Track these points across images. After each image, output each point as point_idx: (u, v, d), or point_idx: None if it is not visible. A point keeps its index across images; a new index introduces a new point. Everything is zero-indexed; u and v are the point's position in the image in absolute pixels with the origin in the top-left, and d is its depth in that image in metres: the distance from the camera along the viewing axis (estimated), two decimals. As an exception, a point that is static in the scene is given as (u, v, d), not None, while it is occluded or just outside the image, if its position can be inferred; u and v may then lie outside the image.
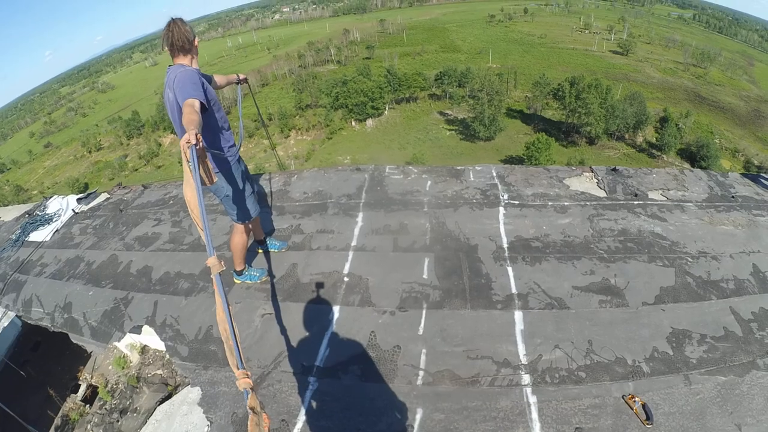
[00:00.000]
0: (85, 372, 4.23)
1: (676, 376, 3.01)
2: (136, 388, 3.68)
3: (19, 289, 4.84)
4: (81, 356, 4.39)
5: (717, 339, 3.25)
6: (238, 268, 4.02)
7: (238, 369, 1.54)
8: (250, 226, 3.86)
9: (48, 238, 5.61)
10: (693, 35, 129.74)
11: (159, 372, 3.66)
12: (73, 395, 4.11)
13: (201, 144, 2.11)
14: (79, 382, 4.19)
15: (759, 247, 4.16)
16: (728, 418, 2.76)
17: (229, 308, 1.64)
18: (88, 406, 3.96)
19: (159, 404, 3.39)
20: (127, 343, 3.90)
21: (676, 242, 4.23)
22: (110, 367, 3.97)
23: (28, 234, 5.80)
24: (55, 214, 6.15)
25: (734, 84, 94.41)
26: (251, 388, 1.50)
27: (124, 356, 3.90)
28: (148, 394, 3.57)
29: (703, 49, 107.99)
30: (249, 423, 1.43)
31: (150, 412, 3.38)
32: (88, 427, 3.66)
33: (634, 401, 2.83)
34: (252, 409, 1.45)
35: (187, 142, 2.06)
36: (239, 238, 3.79)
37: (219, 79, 3.78)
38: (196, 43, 3.07)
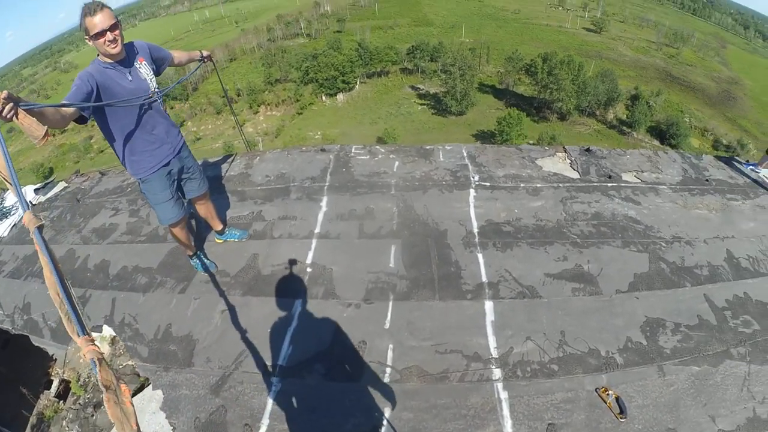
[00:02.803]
0: (57, 367, 4.01)
1: (649, 367, 2.93)
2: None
3: (-23, 289, 4.49)
4: (50, 354, 4.14)
5: (691, 328, 3.18)
6: (189, 254, 3.85)
7: (79, 336, 1.27)
8: (182, 223, 3.59)
9: (5, 234, 5.21)
10: (667, 15, 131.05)
11: (130, 363, 3.45)
12: (46, 392, 3.89)
13: (9, 107, 1.87)
14: (52, 378, 3.95)
15: (733, 232, 4.11)
16: (702, 409, 2.70)
17: (57, 267, 1.39)
18: (61, 402, 3.73)
19: (132, 396, 3.19)
20: (96, 336, 3.64)
21: (650, 226, 4.14)
22: (81, 361, 3.74)
23: (-16, 230, 5.36)
24: (12, 207, 5.67)
25: (706, 65, 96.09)
26: (99, 358, 1.22)
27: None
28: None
29: (676, 29, 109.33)
30: (105, 403, 1.16)
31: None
32: (63, 423, 3.49)
33: (608, 394, 2.74)
34: (106, 386, 1.18)
35: None
36: (174, 233, 3.60)
37: (179, 55, 3.49)
38: (87, 41, 2.70)
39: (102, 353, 1.25)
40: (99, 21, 2.60)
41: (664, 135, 63.57)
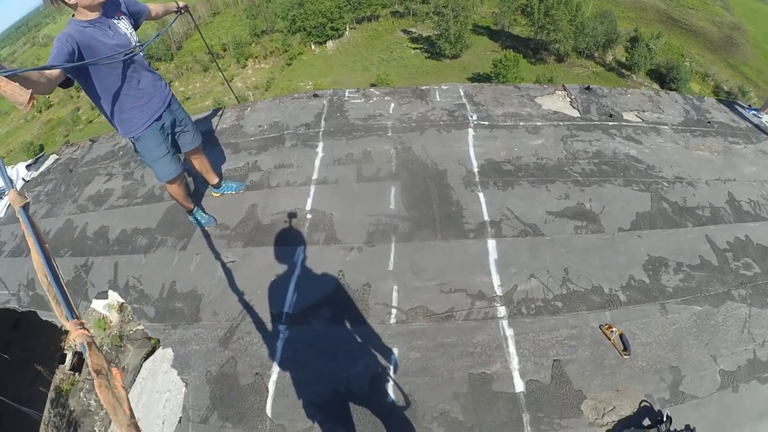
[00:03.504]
0: (69, 339, 4.02)
1: (652, 305, 2.94)
2: (120, 346, 3.50)
3: (-20, 271, 4.44)
4: (59, 327, 4.14)
5: (693, 268, 3.18)
6: (187, 210, 3.79)
7: (68, 320, 1.23)
8: (180, 178, 3.51)
9: (2, 214, 5.10)
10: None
11: (140, 327, 3.46)
12: (61, 366, 3.96)
13: None
14: (65, 351, 4.01)
15: (734, 176, 4.06)
16: (704, 348, 2.74)
17: (44, 248, 1.33)
18: (77, 374, 3.83)
19: (144, 360, 3.25)
20: (104, 304, 3.63)
21: (651, 166, 4.08)
22: (92, 330, 3.75)
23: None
24: (6, 187, 5.53)
25: (708, 9, 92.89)
26: (89, 342, 1.18)
27: (103, 317, 3.66)
28: (132, 351, 3.40)
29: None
30: (97, 388, 1.13)
31: (137, 369, 3.23)
32: (81, 394, 3.58)
33: (612, 331, 2.75)
34: (96, 371, 1.14)
35: None
36: (170, 191, 3.53)
37: (155, 8, 3.31)
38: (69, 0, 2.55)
39: (92, 336, 1.19)
40: None
41: (664, 78, 62.40)
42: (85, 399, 3.57)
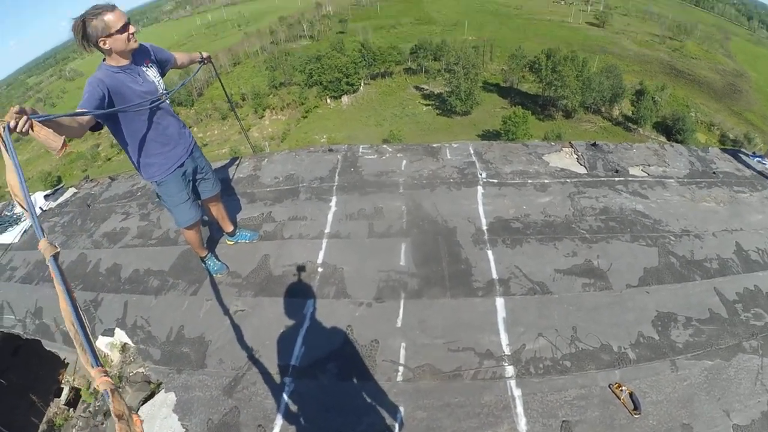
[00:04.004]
0: (67, 374, 4.03)
1: (662, 362, 2.92)
2: (119, 388, 3.49)
3: (-10, 295, 4.53)
4: (61, 359, 4.17)
5: (702, 321, 3.17)
6: (201, 256, 3.87)
7: (92, 368, 1.27)
8: (198, 225, 3.63)
9: (17, 240, 5.27)
10: (670, 7, 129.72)
11: (141, 370, 3.47)
12: (56, 399, 3.93)
13: (23, 121, 1.84)
14: (62, 386, 3.99)
15: (741, 225, 4.09)
16: (716, 404, 2.69)
17: (72, 297, 1.39)
18: (72, 410, 3.76)
19: (142, 404, 3.20)
20: (107, 342, 3.67)
21: (658, 220, 4.13)
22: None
23: (-4, 236, 5.41)
24: (23, 214, 5.76)
25: (710, 58, 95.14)
26: (112, 389, 1.23)
27: (104, 356, 3.69)
28: (131, 394, 3.38)
29: (679, 21, 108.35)
30: None
31: (135, 412, 3.20)
32: (73, 431, 3.51)
33: (621, 390, 2.73)
34: (118, 416, 1.19)
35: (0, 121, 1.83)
36: (187, 236, 3.64)
37: (181, 57, 3.49)
38: (102, 42, 2.65)
39: (114, 384, 1.26)
40: (119, 15, 2.61)
41: (671, 131, 63.07)
42: (77, 436, 3.53)
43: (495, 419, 2.67)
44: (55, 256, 1.45)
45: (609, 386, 2.78)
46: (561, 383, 2.82)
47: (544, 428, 2.61)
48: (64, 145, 1.97)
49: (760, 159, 5.21)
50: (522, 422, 2.65)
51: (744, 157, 5.29)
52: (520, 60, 76.82)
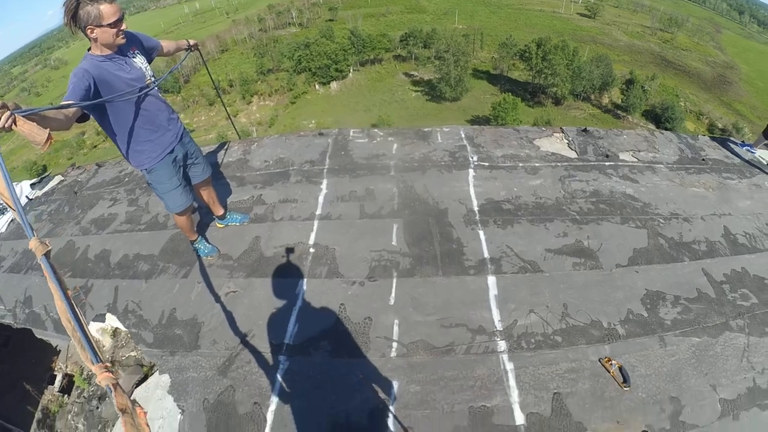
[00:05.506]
0: (59, 362, 4.02)
1: (651, 337, 2.98)
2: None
3: (-22, 286, 4.48)
4: (53, 347, 4.15)
5: (690, 300, 3.23)
6: (192, 239, 3.86)
7: (93, 364, 1.27)
8: (189, 210, 3.60)
9: (3, 230, 5.20)
10: (662, 0, 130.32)
11: (132, 353, 3.47)
12: (50, 387, 3.90)
13: (6, 116, 1.79)
14: (55, 373, 3.97)
15: (729, 210, 4.17)
16: (703, 378, 2.76)
17: (67, 294, 1.37)
18: (66, 396, 3.78)
19: (135, 387, 3.22)
20: (97, 328, 3.65)
21: (647, 203, 4.18)
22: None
23: (-19, 227, 5.32)
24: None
25: (701, 50, 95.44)
26: (114, 384, 1.23)
27: (96, 341, 3.67)
28: (124, 377, 3.38)
29: (671, 14, 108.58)
30: (123, 426, 1.19)
31: (128, 396, 3.20)
32: (69, 417, 3.52)
33: (611, 364, 2.78)
34: (122, 409, 1.20)
35: None
36: (178, 221, 3.62)
37: (168, 44, 3.44)
38: (91, 31, 2.57)
39: (116, 379, 1.27)
40: (115, 9, 2.56)
41: (660, 119, 63.37)
42: (72, 422, 3.51)
43: (488, 391, 2.71)
44: (47, 254, 1.44)
45: (599, 360, 2.83)
46: (552, 357, 2.87)
47: (536, 400, 2.66)
48: (49, 138, 1.91)
49: (749, 148, 5.29)
50: (515, 394, 2.69)
51: (733, 146, 5.37)
52: (510, 48, 76.63)
